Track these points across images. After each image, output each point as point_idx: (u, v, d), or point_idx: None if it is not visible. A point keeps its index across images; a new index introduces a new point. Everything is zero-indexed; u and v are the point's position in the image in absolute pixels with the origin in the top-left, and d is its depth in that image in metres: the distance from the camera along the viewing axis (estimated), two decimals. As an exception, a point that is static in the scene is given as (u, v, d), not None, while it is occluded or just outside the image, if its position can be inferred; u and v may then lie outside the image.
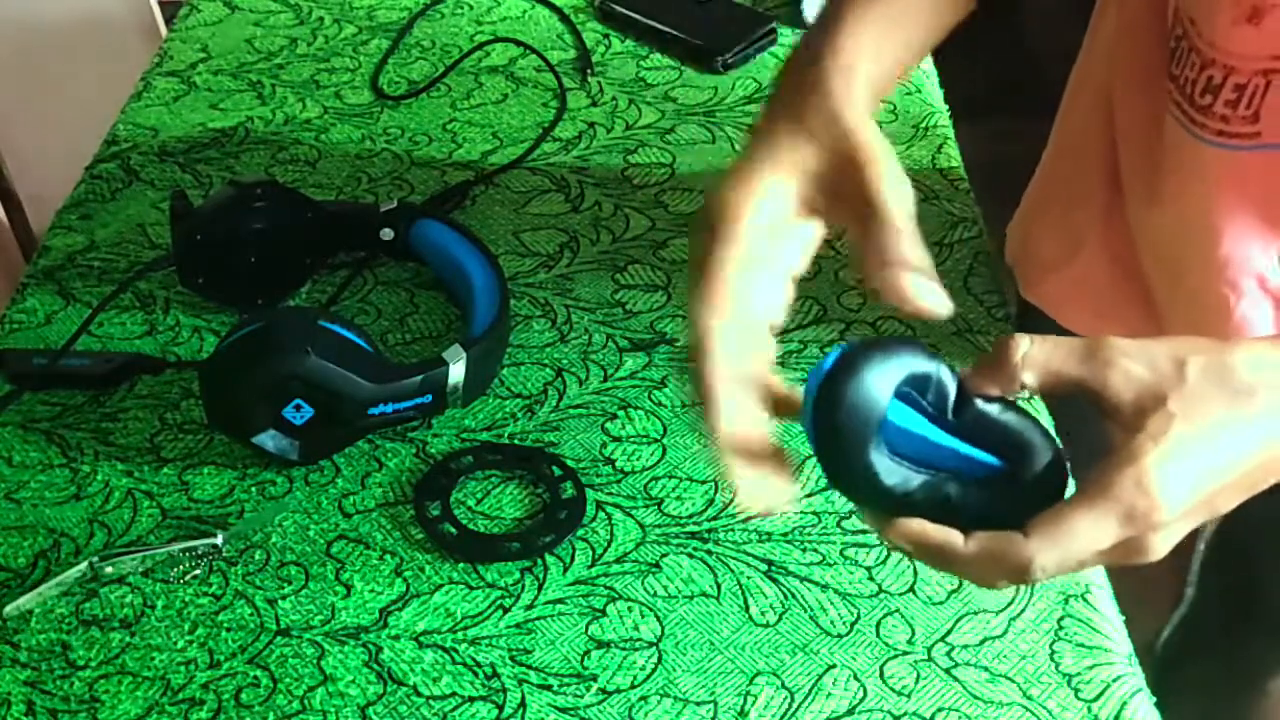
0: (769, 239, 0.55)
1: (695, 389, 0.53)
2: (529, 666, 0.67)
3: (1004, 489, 0.51)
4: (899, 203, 0.53)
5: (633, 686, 0.66)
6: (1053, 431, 0.54)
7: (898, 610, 0.69)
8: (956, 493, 0.50)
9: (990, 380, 0.50)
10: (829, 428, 0.49)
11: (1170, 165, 0.71)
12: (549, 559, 0.72)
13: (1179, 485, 0.48)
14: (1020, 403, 0.52)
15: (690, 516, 0.74)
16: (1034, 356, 0.49)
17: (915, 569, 0.71)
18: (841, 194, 0.55)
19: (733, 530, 0.73)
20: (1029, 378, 0.49)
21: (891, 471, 0.50)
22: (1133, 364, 0.48)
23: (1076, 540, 0.48)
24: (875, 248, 0.52)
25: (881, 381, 0.49)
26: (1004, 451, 0.51)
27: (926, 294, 0.51)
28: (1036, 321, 0.87)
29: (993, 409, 0.51)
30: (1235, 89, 0.63)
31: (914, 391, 0.50)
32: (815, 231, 0.57)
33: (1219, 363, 0.48)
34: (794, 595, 0.70)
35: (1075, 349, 0.49)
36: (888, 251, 0.52)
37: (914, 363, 0.50)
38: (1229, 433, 0.48)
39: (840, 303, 0.88)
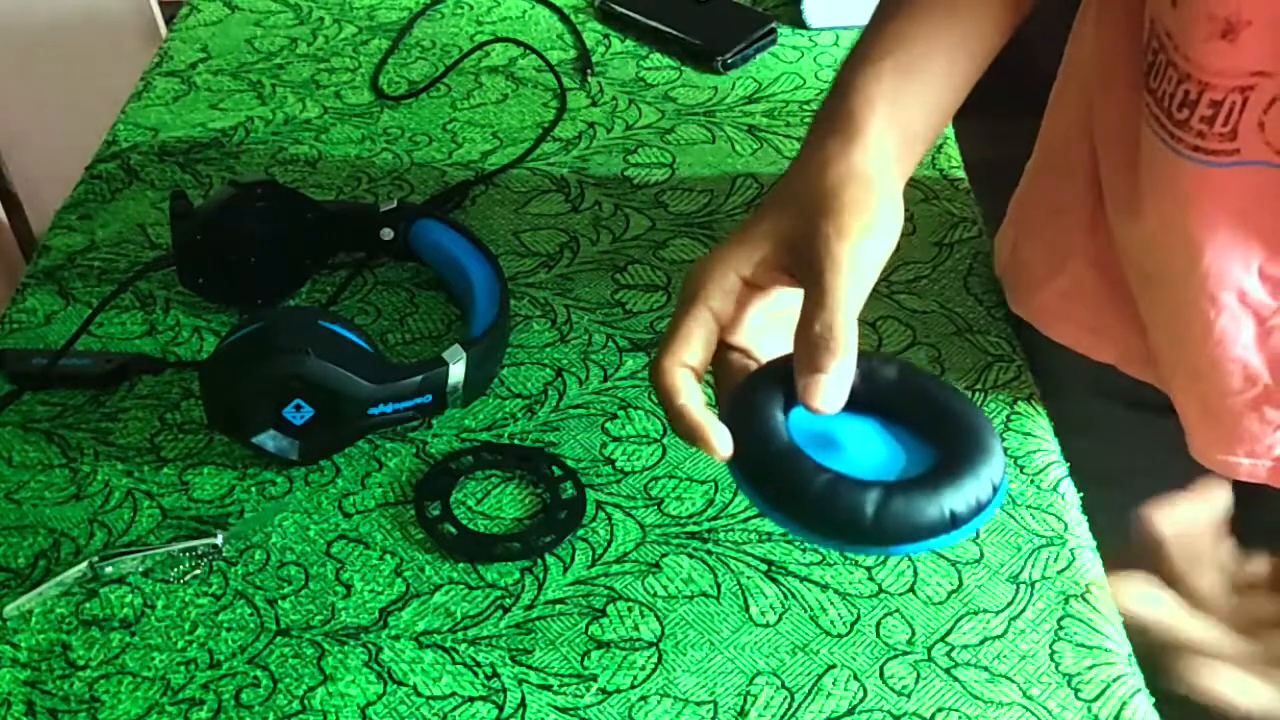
0: (735, 302, 0.59)
1: (682, 432, 0.56)
2: (529, 666, 0.67)
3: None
4: (845, 307, 0.55)
5: (633, 686, 0.66)
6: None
7: (898, 610, 0.69)
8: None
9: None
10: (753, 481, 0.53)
11: (1149, 178, 0.70)
12: (549, 559, 0.72)
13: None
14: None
15: (690, 516, 0.74)
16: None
17: (915, 569, 0.71)
18: (802, 266, 0.57)
19: (733, 530, 0.73)
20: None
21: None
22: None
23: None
24: (807, 350, 0.55)
25: (771, 399, 0.53)
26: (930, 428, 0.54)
27: (828, 401, 0.54)
28: (1029, 335, 0.87)
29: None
30: (1211, 105, 0.62)
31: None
32: (782, 296, 0.60)
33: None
34: (794, 595, 0.70)
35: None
36: (816, 361, 0.54)
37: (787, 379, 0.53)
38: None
39: (840, 303, 0.88)
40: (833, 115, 0.63)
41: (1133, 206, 0.72)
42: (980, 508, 0.50)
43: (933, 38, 0.66)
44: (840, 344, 0.53)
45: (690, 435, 0.55)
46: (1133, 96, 0.69)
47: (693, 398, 0.56)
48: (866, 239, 0.57)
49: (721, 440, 0.54)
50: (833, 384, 0.53)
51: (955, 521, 0.49)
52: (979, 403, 0.81)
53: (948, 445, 0.52)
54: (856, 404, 0.53)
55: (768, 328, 0.61)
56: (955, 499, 0.49)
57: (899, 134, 0.63)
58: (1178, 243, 0.68)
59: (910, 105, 0.64)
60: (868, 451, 0.54)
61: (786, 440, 0.51)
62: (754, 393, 0.54)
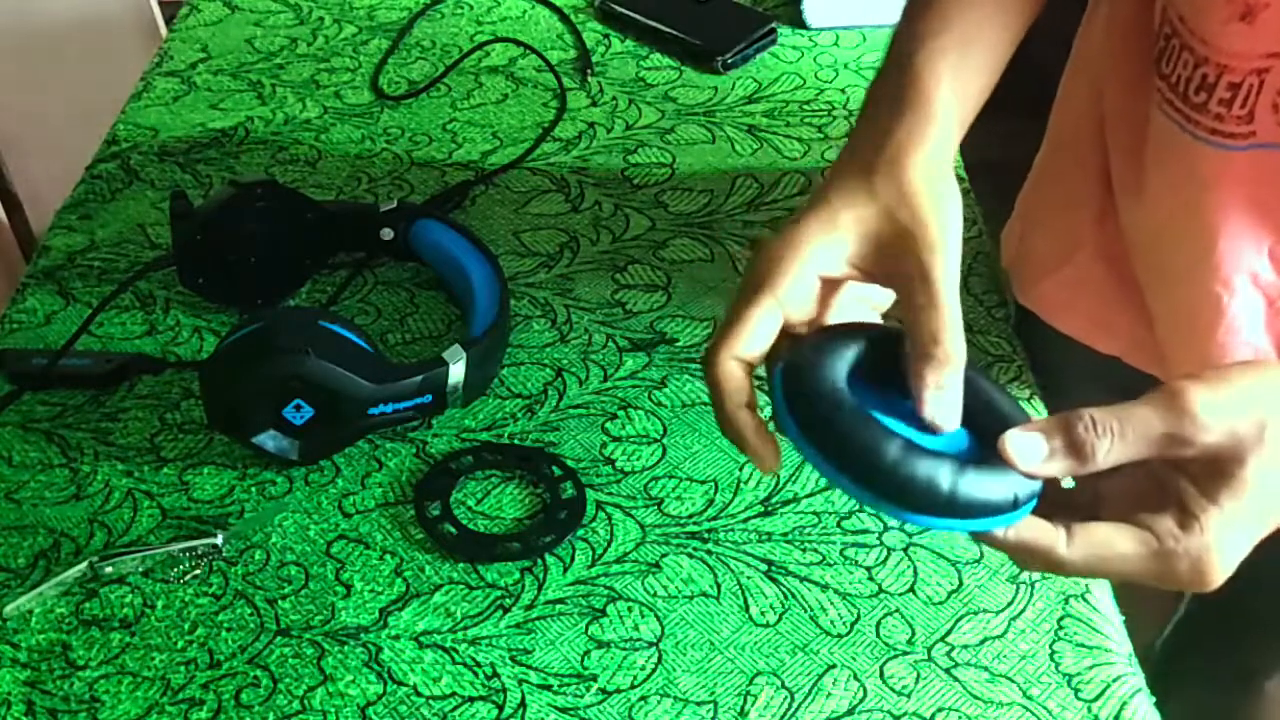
0: (808, 301, 0.55)
1: (729, 436, 0.54)
2: (529, 666, 0.67)
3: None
4: (953, 320, 0.52)
5: (633, 686, 0.66)
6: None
7: (898, 610, 0.69)
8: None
9: (1057, 465, 0.48)
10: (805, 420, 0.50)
11: (1160, 163, 0.70)
12: (549, 559, 0.72)
13: (1235, 554, 0.48)
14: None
15: (690, 516, 0.74)
16: (1108, 423, 0.47)
17: (915, 569, 0.71)
18: (894, 268, 0.54)
19: (733, 530, 0.73)
20: (1113, 450, 0.47)
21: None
22: (1214, 420, 0.47)
23: (1112, 567, 0.49)
24: (921, 365, 0.52)
25: (838, 358, 0.51)
26: (976, 423, 0.52)
27: (942, 414, 0.52)
28: (1033, 326, 0.87)
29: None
30: (1229, 88, 0.63)
31: (888, 368, 0.52)
32: (866, 291, 0.58)
33: None
34: (794, 595, 0.70)
35: (1154, 404, 0.47)
36: (930, 376, 0.52)
37: (873, 345, 0.52)
38: None
39: (840, 303, 0.88)
40: (900, 90, 0.60)
41: (1143, 193, 0.72)
42: (1033, 495, 0.50)
43: (985, 16, 0.64)
44: (957, 357, 0.51)
45: (737, 443, 0.54)
46: (1144, 84, 0.70)
47: (744, 400, 0.53)
48: (957, 234, 0.55)
49: (769, 454, 0.53)
50: (953, 399, 0.51)
51: (1016, 504, 0.49)
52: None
53: (987, 432, 0.51)
54: (901, 382, 0.53)
55: (851, 300, 0.58)
56: (1018, 482, 0.49)
57: (959, 107, 0.61)
58: (1191, 228, 0.69)
59: (968, 78, 0.62)
60: (916, 427, 0.52)
61: (855, 404, 0.49)
62: (819, 354, 0.52)
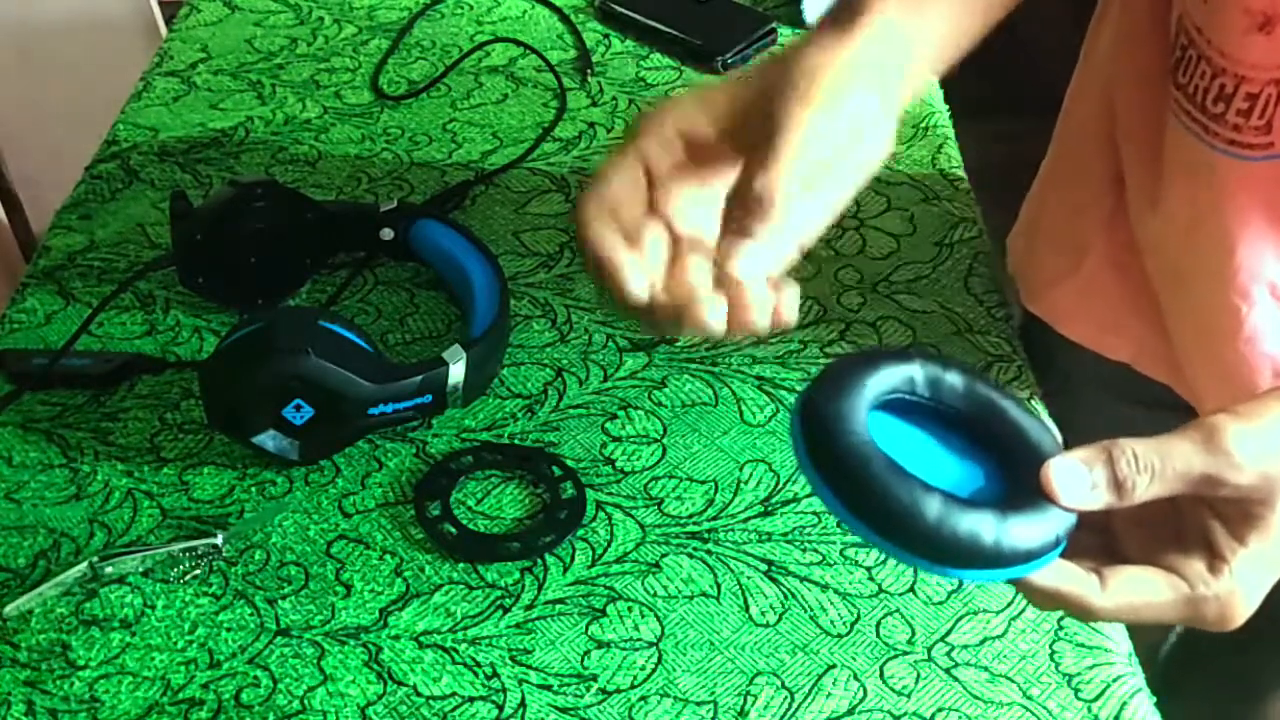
0: (667, 154, 0.55)
1: (590, 266, 0.53)
2: (529, 666, 0.67)
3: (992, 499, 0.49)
4: (787, 166, 0.51)
5: (633, 686, 0.66)
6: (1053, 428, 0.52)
7: (898, 610, 0.69)
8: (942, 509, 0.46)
9: (1098, 500, 0.46)
10: (818, 459, 0.47)
11: (1177, 173, 0.70)
12: (549, 559, 0.72)
13: (1259, 594, 0.48)
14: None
15: (690, 516, 0.74)
16: (1150, 460, 0.46)
17: (915, 569, 0.71)
18: (755, 135, 0.53)
19: (733, 530, 0.73)
20: (1150, 487, 0.46)
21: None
22: (1250, 462, 0.46)
23: (1143, 615, 0.48)
24: (738, 209, 0.51)
25: (857, 401, 0.48)
26: (1001, 451, 0.49)
27: (746, 270, 0.50)
28: (1039, 332, 0.87)
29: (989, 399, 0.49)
30: (1247, 98, 0.63)
31: (906, 397, 0.49)
32: (732, 163, 0.56)
33: None
34: (794, 595, 0.70)
35: (1193, 442, 0.46)
36: (743, 220, 0.51)
37: (888, 375, 0.49)
38: None
39: (840, 303, 0.88)
40: (833, 14, 0.59)
41: (1160, 203, 0.72)
42: (1070, 529, 0.48)
43: None
44: (775, 209, 0.50)
45: (601, 270, 0.52)
46: (1158, 92, 0.69)
47: (608, 237, 0.52)
48: (834, 117, 0.52)
49: (635, 278, 0.51)
50: (756, 251, 0.49)
51: (1057, 543, 0.47)
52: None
53: (1017, 460, 0.49)
54: (922, 411, 0.50)
55: (696, 203, 0.56)
56: (1056, 518, 0.46)
57: (898, 49, 0.58)
58: (1209, 238, 0.68)
59: (914, 23, 0.60)
60: (942, 465, 0.50)
61: (884, 456, 0.46)
62: (838, 396, 0.48)
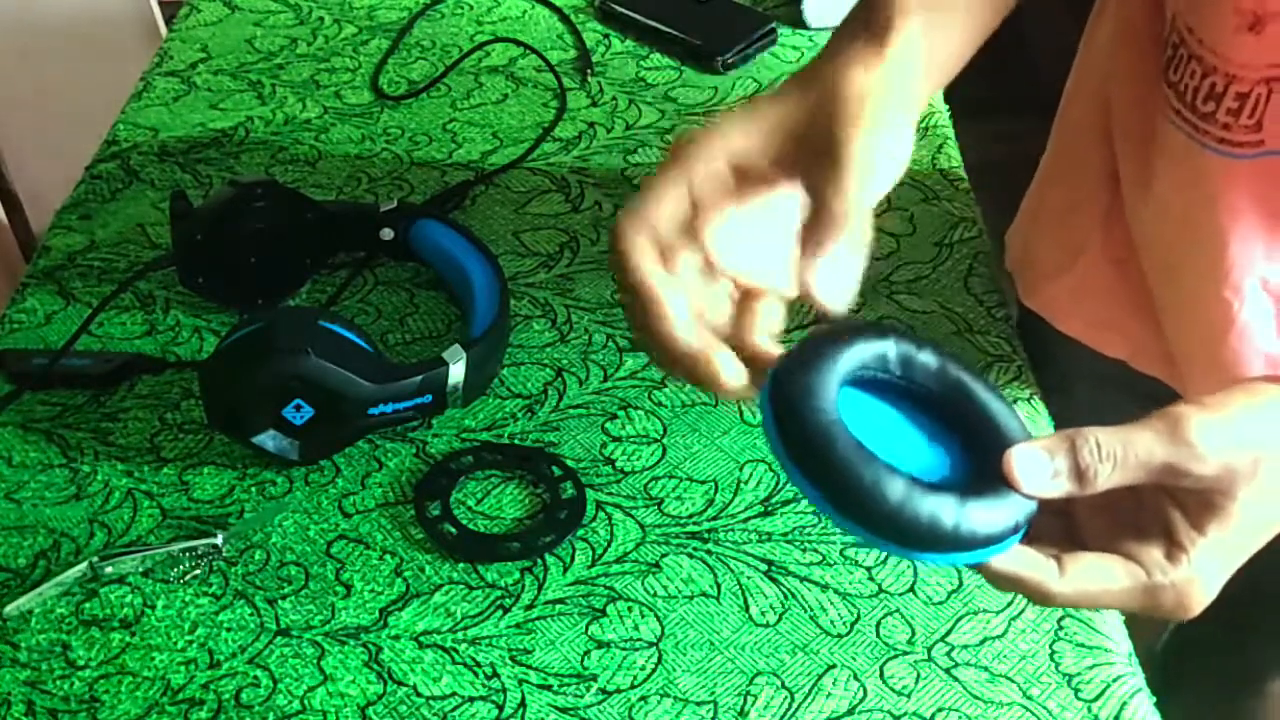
0: (717, 186, 0.54)
1: (627, 291, 0.52)
2: (529, 666, 0.67)
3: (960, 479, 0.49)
4: (857, 185, 0.51)
5: (633, 686, 0.66)
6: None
7: (898, 610, 0.69)
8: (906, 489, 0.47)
9: (1060, 488, 0.47)
10: (786, 439, 0.48)
11: (1169, 170, 0.70)
12: (549, 559, 0.72)
13: (1216, 583, 0.48)
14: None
15: (690, 516, 0.74)
16: (1112, 448, 0.46)
17: (915, 569, 0.71)
18: (810, 163, 0.53)
19: (733, 530, 0.73)
20: (1112, 475, 0.46)
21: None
22: (1213, 454, 0.46)
23: (1100, 602, 0.49)
24: (813, 228, 0.51)
25: (827, 378, 0.48)
26: (968, 434, 0.50)
27: (824, 286, 0.51)
28: (1036, 328, 0.87)
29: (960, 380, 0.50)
30: (1237, 97, 0.63)
31: (878, 374, 0.50)
32: (780, 187, 0.56)
33: None
34: (794, 595, 0.70)
35: (1156, 432, 0.46)
36: (820, 236, 0.51)
37: (862, 351, 0.49)
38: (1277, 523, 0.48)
39: (840, 303, 0.88)
40: (864, 17, 0.59)
41: (1151, 198, 0.72)
42: (1030, 516, 0.48)
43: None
44: (852, 224, 0.50)
45: (643, 301, 0.51)
46: (1152, 90, 0.70)
47: (648, 263, 0.52)
48: (881, 137, 0.53)
49: (678, 310, 0.51)
50: (835, 267, 0.50)
51: (1016, 529, 0.48)
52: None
53: (983, 445, 0.50)
54: (892, 389, 0.51)
55: (736, 237, 0.56)
56: (1017, 504, 0.47)
57: (922, 59, 0.59)
58: (1201, 234, 0.69)
59: (938, 30, 0.61)
60: (909, 445, 0.50)
61: (851, 436, 0.47)
62: (807, 374, 0.49)
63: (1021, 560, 0.48)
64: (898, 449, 0.49)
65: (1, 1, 1.82)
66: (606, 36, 1.17)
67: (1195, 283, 0.71)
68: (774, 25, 1.15)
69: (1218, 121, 0.64)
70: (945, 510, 0.46)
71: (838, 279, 0.51)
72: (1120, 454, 0.46)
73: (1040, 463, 0.46)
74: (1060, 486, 0.47)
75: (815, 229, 0.51)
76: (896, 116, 0.55)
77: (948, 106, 1.08)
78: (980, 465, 0.49)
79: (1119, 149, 0.76)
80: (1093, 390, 0.86)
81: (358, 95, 1.10)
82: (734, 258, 0.56)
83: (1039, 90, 0.86)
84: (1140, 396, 0.83)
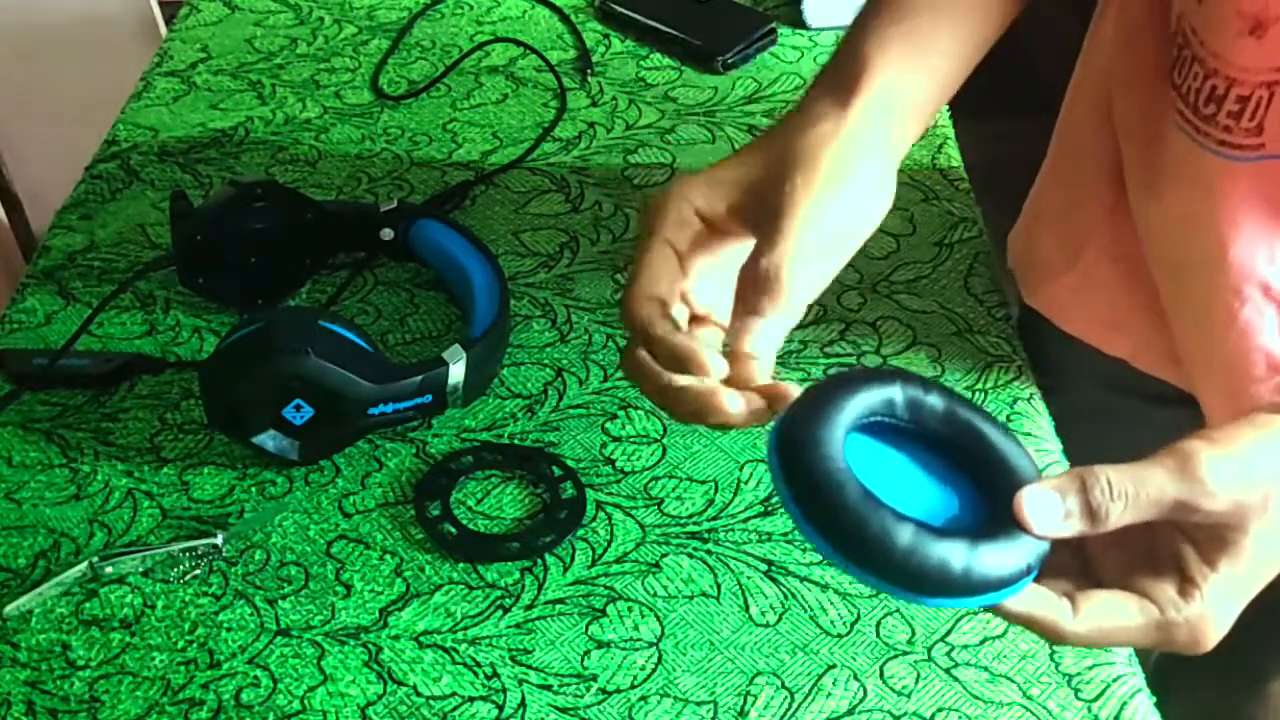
0: (691, 235, 0.56)
1: (667, 362, 0.52)
2: (529, 666, 0.67)
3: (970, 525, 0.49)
4: (794, 248, 0.52)
5: (633, 686, 0.66)
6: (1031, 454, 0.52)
7: (898, 610, 0.69)
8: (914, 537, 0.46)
9: (1071, 528, 0.46)
10: (795, 488, 0.47)
11: (1173, 170, 0.70)
12: (549, 559, 0.72)
13: (1230, 617, 0.48)
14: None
15: (690, 516, 0.74)
16: (1124, 487, 0.46)
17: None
18: (762, 205, 0.55)
19: (733, 530, 0.73)
20: (1125, 514, 0.46)
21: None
22: (1224, 490, 0.46)
23: (1115, 639, 0.48)
24: (747, 286, 0.52)
25: (834, 426, 0.48)
26: (979, 475, 0.50)
27: (752, 347, 0.51)
28: (1037, 328, 0.87)
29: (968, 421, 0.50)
30: (1238, 100, 0.63)
31: (885, 419, 0.50)
32: (744, 240, 0.57)
33: None
34: (794, 595, 0.70)
35: (1168, 469, 0.46)
36: (750, 298, 0.52)
37: (868, 397, 0.49)
38: None
39: (840, 303, 0.88)
40: (831, 76, 0.60)
41: (1156, 196, 0.72)
42: (1043, 557, 0.48)
43: (940, 8, 0.64)
44: (782, 288, 0.51)
45: (680, 362, 0.52)
46: (1157, 89, 0.70)
47: (669, 326, 0.53)
48: (836, 196, 0.54)
49: (714, 362, 0.51)
50: (766, 330, 0.51)
51: (1028, 571, 0.47)
52: (979, 403, 0.81)
53: (993, 485, 0.49)
54: (902, 434, 0.50)
55: (712, 280, 0.58)
56: (1028, 545, 0.47)
57: (900, 103, 0.60)
58: (1202, 235, 0.69)
59: (914, 74, 0.62)
60: (919, 490, 0.50)
61: (859, 485, 0.47)
62: (814, 423, 0.48)
63: (1035, 601, 0.48)
64: (907, 494, 0.49)
65: (1, 1, 1.82)
66: (606, 36, 1.17)
67: (1198, 282, 0.71)
68: (774, 25, 1.15)
69: (1219, 124, 0.64)
70: (955, 555, 0.45)
71: (770, 339, 0.52)
72: (1131, 492, 0.46)
73: (1051, 504, 0.46)
74: (1072, 527, 0.46)
75: (747, 291, 0.52)
76: (864, 170, 0.56)
77: (948, 106, 1.08)
78: (992, 506, 0.48)
79: (1124, 149, 0.76)
80: (1094, 390, 0.86)
81: (358, 95, 1.10)
82: (712, 300, 0.57)
83: (1039, 90, 0.86)
84: (1141, 396, 0.83)
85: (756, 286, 0.52)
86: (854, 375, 0.51)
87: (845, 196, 0.55)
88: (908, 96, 0.61)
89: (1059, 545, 0.48)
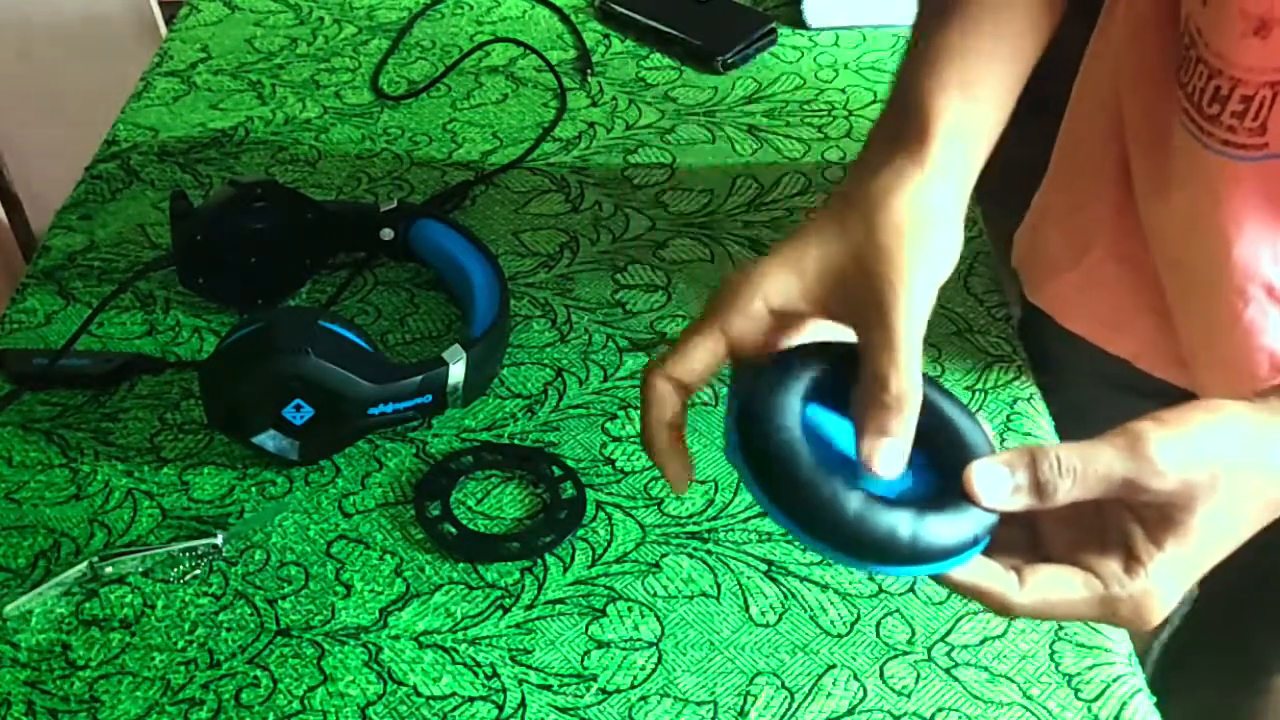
0: (757, 332, 0.54)
1: (646, 452, 0.54)
2: (529, 666, 0.67)
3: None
4: (910, 354, 0.51)
5: (633, 686, 0.66)
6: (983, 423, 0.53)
7: (898, 610, 0.69)
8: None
9: (1019, 502, 0.47)
10: (754, 461, 0.49)
11: (1178, 170, 0.71)
12: (549, 559, 0.72)
13: (1174, 596, 0.49)
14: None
15: (690, 516, 0.74)
16: (1072, 464, 0.47)
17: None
18: (856, 308, 0.53)
19: (733, 530, 0.73)
20: (1072, 490, 0.47)
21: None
22: (1172, 470, 0.47)
23: (1059, 612, 0.49)
24: (872, 404, 0.51)
25: (791, 396, 0.49)
26: (934, 447, 0.50)
27: (886, 462, 0.50)
28: (1039, 327, 0.87)
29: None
30: (1242, 100, 0.63)
31: (843, 391, 0.51)
32: (821, 328, 0.55)
33: (1255, 479, 0.48)
34: (794, 595, 0.70)
35: (1116, 448, 0.47)
36: (882, 421, 0.50)
37: (829, 369, 0.50)
38: (1238, 534, 0.49)
39: (840, 303, 0.88)
40: (898, 127, 0.59)
41: (1162, 195, 0.73)
42: (990, 529, 0.49)
43: (988, 51, 0.63)
44: (911, 404, 0.50)
45: (652, 458, 0.54)
46: (1164, 89, 0.70)
47: (665, 417, 0.53)
48: (932, 262, 0.53)
49: (677, 477, 0.53)
50: (899, 446, 0.50)
51: (975, 541, 0.48)
52: (979, 404, 0.81)
53: (946, 458, 0.50)
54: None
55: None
56: (976, 517, 0.47)
57: (964, 147, 0.59)
58: (1207, 235, 0.69)
59: (973, 118, 0.60)
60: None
61: (811, 453, 0.48)
62: (773, 391, 0.50)
63: (982, 572, 0.49)
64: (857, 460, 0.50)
65: (1, 1, 1.82)
66: (606, 36, 1.17)
67: (1202, 281, 0.72)
68: (774, 25, 1.16)
69: (1223, 124, 0.65)
70: (902, 523, 0.46)
71: (896, 451, 0.50)
72: (1080, 469, 0.47)
73: (1000, 477, 0.47)
74: (1020, 501, 0.47)
75: (875, 414, 0.50)
76: (944, 222, 0.55)
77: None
78: (945, 478, 0.49)
79: (1131, 148, 0.76)
80: (1094, 390, 0.86)
81: (358, 95, 1.10)
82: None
83: (1039, 90, 0.86)
84: (1142, 394, 0.83)
85: (885, 409, 0.50)
86: (812, 347, 0.52)
87: (940, 257, 0.54)
88: (969, 140, 0.59)
89: (1010, 522, 0.49)
